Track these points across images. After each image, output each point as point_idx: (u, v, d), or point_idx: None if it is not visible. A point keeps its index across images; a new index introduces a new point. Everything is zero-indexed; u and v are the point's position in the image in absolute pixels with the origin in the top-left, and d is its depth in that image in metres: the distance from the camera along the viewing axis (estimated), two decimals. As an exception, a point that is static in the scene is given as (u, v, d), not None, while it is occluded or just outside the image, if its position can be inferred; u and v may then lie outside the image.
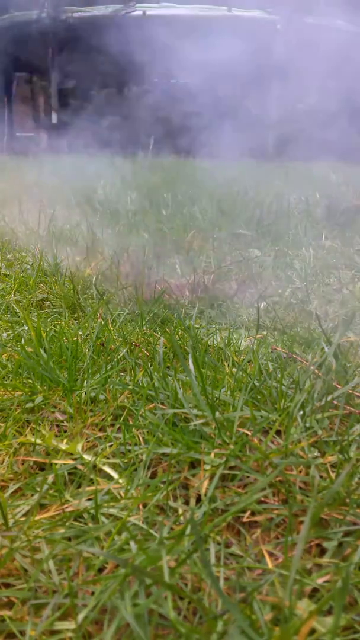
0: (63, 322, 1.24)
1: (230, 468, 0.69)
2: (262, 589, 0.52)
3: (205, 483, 0.67)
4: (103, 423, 0.82)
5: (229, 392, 0.85)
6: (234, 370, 0.92)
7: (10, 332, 1.16)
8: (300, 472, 0.70)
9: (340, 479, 0.62)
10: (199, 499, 0.66)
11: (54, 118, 11.15)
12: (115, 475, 0.70)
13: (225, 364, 0.98)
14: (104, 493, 0.66)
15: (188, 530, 0.57)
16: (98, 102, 9.92)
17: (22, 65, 11.77)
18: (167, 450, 0.72)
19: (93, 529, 0.59)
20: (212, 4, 9.73)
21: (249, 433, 0.74)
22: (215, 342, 1.09)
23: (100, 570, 0.56)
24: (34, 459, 0.74)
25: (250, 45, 7.02)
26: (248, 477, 0.69)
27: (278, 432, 0.78)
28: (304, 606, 0.49)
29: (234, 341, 1.11)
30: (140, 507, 0.64)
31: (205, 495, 0.65)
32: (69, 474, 0.72)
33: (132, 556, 0.55)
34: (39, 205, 2.42)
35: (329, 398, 0.80)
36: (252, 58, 6.79)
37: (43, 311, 1.35)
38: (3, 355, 1.04)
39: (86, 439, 0.79)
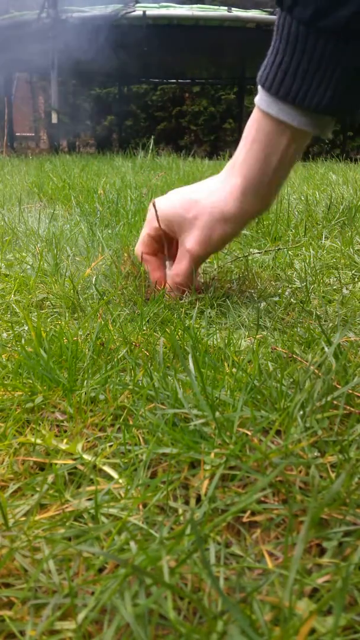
0: (63, 322, 1.24)
1: (230, 468, 0.69)
2: (262, 589, 0.52)
3: (205, 483, 0.67)
4: (103, 423, 0.82)
5: (229, 392, 0.85)
6: (234, 370, 0.92)
7: (10, 332, 1.16)
8: (300, 472, 0.70)
9: (340, 479, 0.62)
10: (199, 499, 0.66)
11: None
12: (115, 475, 0.70)
13: (225, 364, 0.98)
14: (104, 493, 0.66)
15: (188, 530, 0.57)
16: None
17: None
18: (167, 450, 0.72)
19: (93, 529, 0.59)
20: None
21: (249, 433, 0.74)
22: (215, 342, 1.09)
23: (100, 570, 0.56)
24: (34, 459, 0.74)
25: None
26: (248, 477, 0.69)
27: (278, 432, 0.78)
28: (304, 606, 0.49)
29: (234, 341, 1.11)
30: (140, 507, 0.64)
31: (205, 495, 0.65)
32: (69, 474, 0.71)
33: (132, 556, 0.55)
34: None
35: (329, 398, 0.80)
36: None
37: (43, 311, 1.35)
38: (3, 355, 1.04)
39: (86, 439, 0.79)
